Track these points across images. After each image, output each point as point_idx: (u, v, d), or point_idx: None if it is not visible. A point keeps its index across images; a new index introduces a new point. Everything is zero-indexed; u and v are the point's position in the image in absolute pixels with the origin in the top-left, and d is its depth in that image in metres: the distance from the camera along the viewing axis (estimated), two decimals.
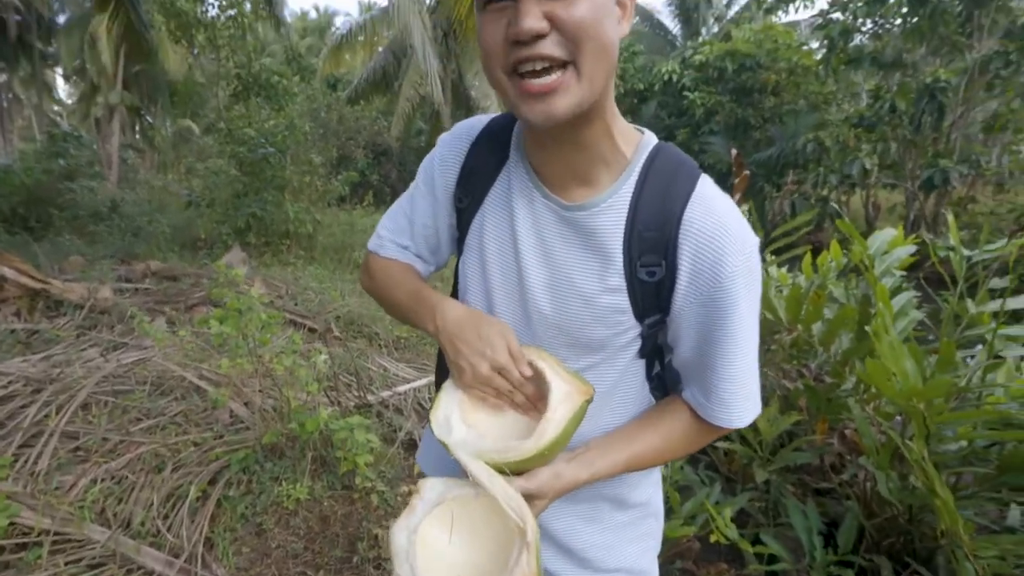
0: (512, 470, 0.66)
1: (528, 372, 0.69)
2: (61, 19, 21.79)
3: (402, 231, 0.84)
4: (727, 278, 0.63)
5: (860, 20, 11.36)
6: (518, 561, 0.60)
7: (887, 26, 11.33)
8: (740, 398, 0.70)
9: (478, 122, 0.80)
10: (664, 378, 0.81)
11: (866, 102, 12.41)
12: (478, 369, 0.68)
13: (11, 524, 1.73)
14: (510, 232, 0.73)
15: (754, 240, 0.67)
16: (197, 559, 1.80)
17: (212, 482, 2.12)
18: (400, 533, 0.65)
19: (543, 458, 0.66)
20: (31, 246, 5.39)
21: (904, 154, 11.58)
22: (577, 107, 0.58)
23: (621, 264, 0.67)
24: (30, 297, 3.28)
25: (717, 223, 0.64)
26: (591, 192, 0.68)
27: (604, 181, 0.68)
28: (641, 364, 0.77)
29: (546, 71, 0.56)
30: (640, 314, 0.69)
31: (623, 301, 0.68)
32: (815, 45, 14.48)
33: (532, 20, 0.54)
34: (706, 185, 0.68)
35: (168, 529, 1.89)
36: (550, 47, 0.55)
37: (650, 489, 0.88)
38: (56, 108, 32.78)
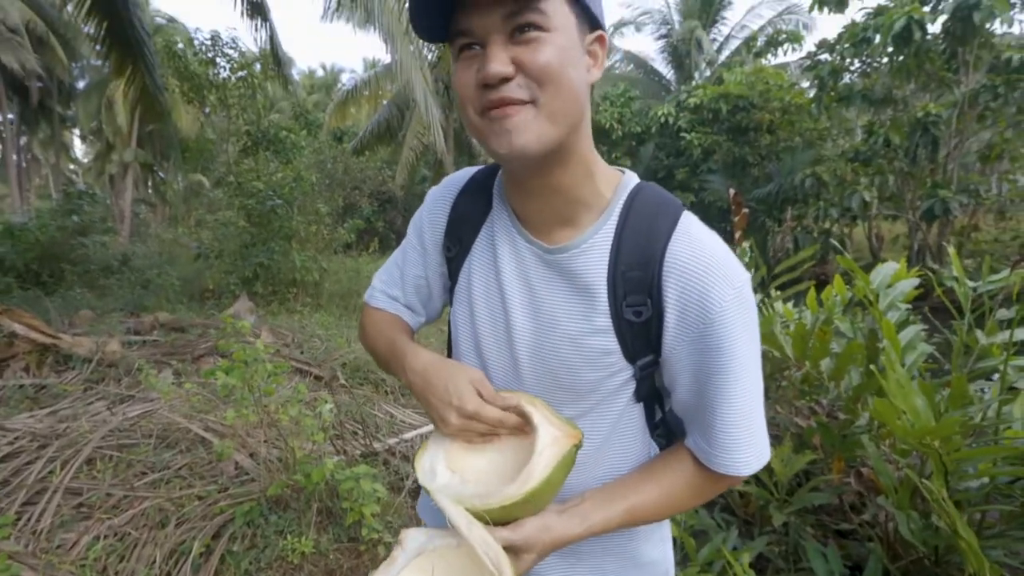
0: (496, 518, 0.62)
1: (505, 403, 0.67)
2: (81, 84, 22.87)
3: (394, 282, 0.86)
4: (717, 313, 0.62)
5: (848, 60, 11.72)
6: None
7: (874, 64, 11.68)
8: (745, 443, 0.66)
9: (464, 174, 0.82)
10: (669, 424, 0.77)
11: (860, 137, 12.66)
12: (448, 420, 0.67)
13: None
14: (495, 277, 0.74)
15: (743, 274, 0.65)
16: None
17: (216, 536, 2.08)
18: None
19: (529, 505, 0.63)
20: (43, 301, 5.47)
21: (903, 186, 11.71)
22: (538, 142, 0.59)
23: (607, 305, 0.66)
24: (39, 352, 3.31)
25: (701, 259, 0.64)
26: (573, 233, 0.68)
27: (585, 222, 0.68)
28: (639, 410, 0.74)
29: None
30: (630, 356, 0.68)
31: (611, 342, 0.67)
32: (806, 84, 14.90)
33: (498, 64, 0.57)
34: (689, 222, 0.67)
35: None
36: (515, 89, 0.58)
37: (660, 545, 0.84)
38: (72, 167, 33.91)
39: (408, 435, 2.99)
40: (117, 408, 2.87)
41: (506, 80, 0.58)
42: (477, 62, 0.59)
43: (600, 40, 0.65)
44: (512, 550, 0.62)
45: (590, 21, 0.64)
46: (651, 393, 0.74)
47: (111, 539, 2.01)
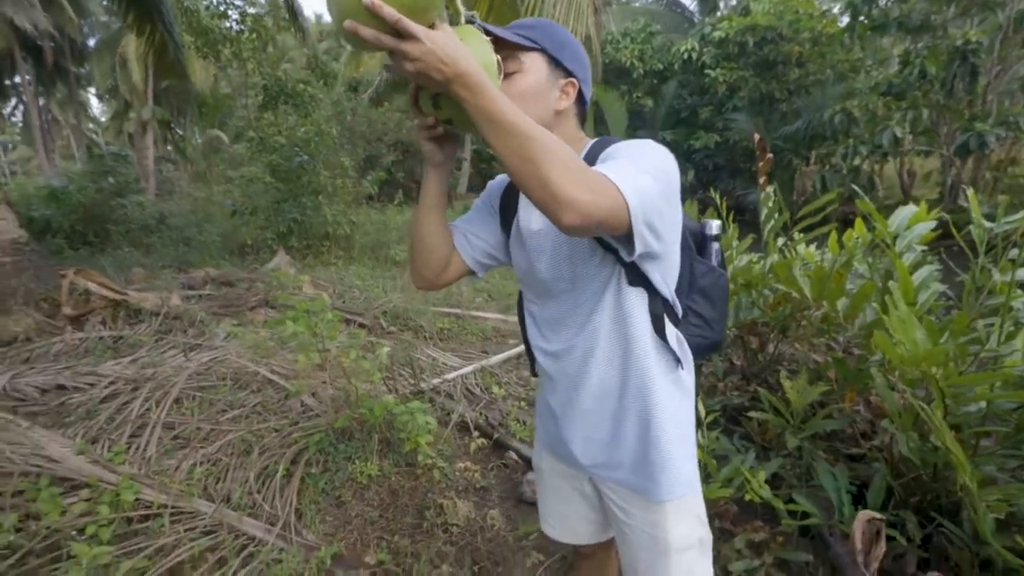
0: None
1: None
2: (92, 42, 22.71)
3: (464, 218, 1.16)
4: (615, 147, 0.92)
5: None
6: None
7: None
8: (613, 169, 0.81)
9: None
10: (662, 317, 1.00)
11: (895, 68, 12.07)
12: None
13: (136, 499, 2.03)
14: (523, 224, 1.07)
15: (649, 140, 0.91)
16: (291, 527, 2.07)
17: (294, 462, 2.39)
18: None
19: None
20: (97, 259, 5.82)
21: (937, 120, 11.26)
22: None
23: None
24: (112, 307, 3.63)
25: (616, 144, 0.93)
26: None
27: None
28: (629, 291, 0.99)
29: None
30: (605, 245, 0.95)
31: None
32: (837, 11, 14.07)
33: None
34: (620, 140, 0.95)
35: (263, 501, 2.16)
36: None
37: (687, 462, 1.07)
38: (91, 126, 34.15)
39: (450, 375, 3.26)
40: (191, 355, 3.19)
41: None
42: None
43: (571, 84, 0.99)
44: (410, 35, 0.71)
45: (564, 71, 0.98)
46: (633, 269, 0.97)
47: (207, 464, 2.34)
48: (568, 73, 0.99)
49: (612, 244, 0.91)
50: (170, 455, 2.35)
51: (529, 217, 1.05)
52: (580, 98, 1.02)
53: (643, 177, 0.81)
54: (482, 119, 0.75)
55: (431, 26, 0.73)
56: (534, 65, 0.96)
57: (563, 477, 1.20)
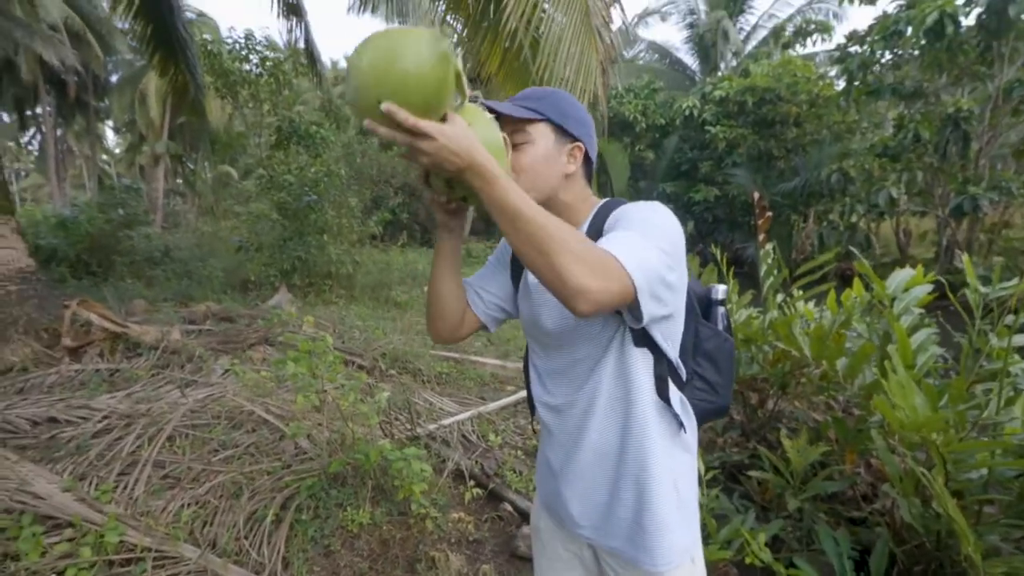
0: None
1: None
2: (114, 78, 23.55)
3: (479, 275, 1.20)
4: (623, 211, 0.94)
5: (878, 53, 11.52)
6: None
7: (905, 57, 11.47)
8: (619, 245, 0.83)
9: None
10: (666, 379, 1.01)
11: (890, 131, 12.46)
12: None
13: (120, 541, 1.98)
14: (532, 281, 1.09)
15: (656, 204, 0.94)
16: None
17: (284, 507, 2.34)
18: None
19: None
20: (100, 290, 5.84)
21: (932, 182, 11.52)
22: None
23: None
24: (111, 340, 3.63)
25: (623, 207, 0.96)
26: None
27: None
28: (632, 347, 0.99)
29: None
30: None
31: None
32: (833, 75, 14.64)
33: None
34: (625, 202, 0.98)
35: (250, 547, 2.10)
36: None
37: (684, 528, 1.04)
38: (104, 157, 34.92)
39: (446, 421, 3.23)
40: (187, 391, 3.16)
41: None
42: None
43: (577, 148, 1.02)
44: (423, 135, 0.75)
45: (570, 136, 1.01)
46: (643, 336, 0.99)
47: (195, 507, 2.29)
48: (574, 138, 1.03)
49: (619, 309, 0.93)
50: (158, 495, 2.30)
51: None
52: (587, 159, 1.06)
53: (650, 251, 0.84)
54: (494, 208, 0.79)
55: (443, 116, 0.78)
56: (541, 135, 1.00)
57: (561, 541, 1.18)
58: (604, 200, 1.06)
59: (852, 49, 12.00)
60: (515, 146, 0.98)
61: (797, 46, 17.79)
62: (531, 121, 1.00)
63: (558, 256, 0.75)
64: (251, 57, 10.92)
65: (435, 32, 0.76)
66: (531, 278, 1.10)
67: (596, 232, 0.97)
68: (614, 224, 0.93)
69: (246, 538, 2.17)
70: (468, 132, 0.78)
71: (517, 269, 1.16)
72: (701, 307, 1.16)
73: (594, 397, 1.01)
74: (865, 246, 12.45)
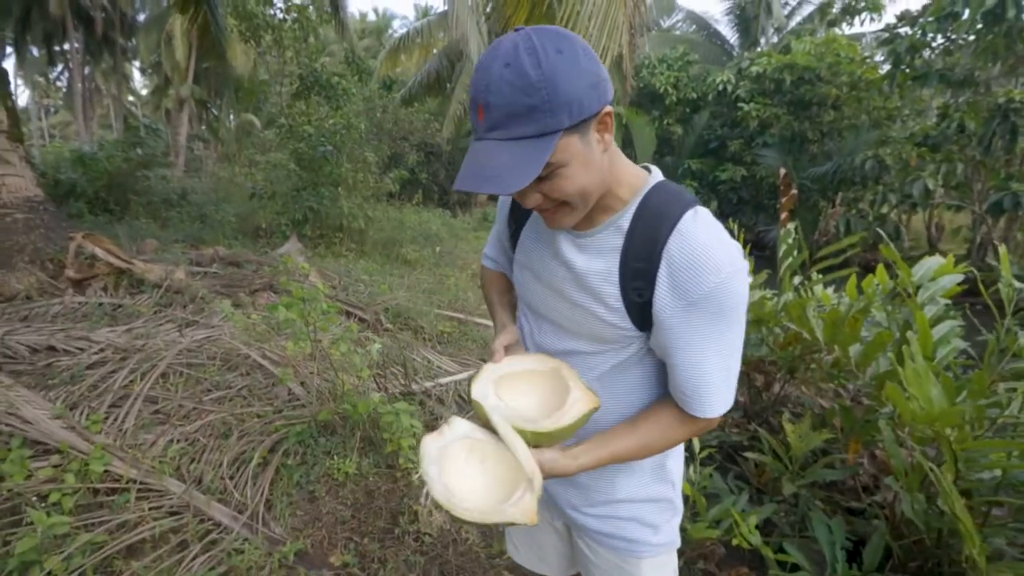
0: (527, 440, 0.82)
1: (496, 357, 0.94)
2: (141, 17, 23.33)
3: (491, 246, 1.17)
4: (698, 301, 0.78)
5: (930, 35, 10.88)
6: (522, 498, 0.76)
7: (959, 42, 10.82)
8: (710, 393, 0.84)
9: None
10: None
11: (933, 119, 11.87)
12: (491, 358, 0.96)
13: (105, 471, 1.98)
14: (538, 254, 0.95)
15: (731, 265, 0.78)
16: (259, 517, 2.00)
17: (272, 451, 2.33)
18: (431, 444, 0.83)
19: (551, 439, 0.83)
20: (113, 227, 5.86)
21: (971, 175, 11.02)
22: (573, 222, 0.83)
23: (618, 287, 0.84)
24: (116, 275, 3.62)
25: (692, 253, 0.78)
26: (595, 227, 0.87)
27: (604, 220, 0.87)
28: (653, 356, 0.92)
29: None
30: (639, 326, 0.86)
31: (622, 315, 0.86)
32: (879, 59, 13.93)
33: (531, 201, 0.80)
34: (689, 219, 0.80)
35: (234, 488, 2.10)
36: (547, 203, 0.81)
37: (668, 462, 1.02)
38: (131, 98, 34.96)
39: (444, 380, 3.19)
40: (185, 331, 3.16)
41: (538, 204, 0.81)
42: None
43: (607, 115, 0.78)
44: None
45: (592, 115, 0.76)
46: None
47: (183, 443, 2.29)
48: (593, 114, 0.78)
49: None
50: (147, 430, 2.30)
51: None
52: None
53: (731, 376, 0.84)
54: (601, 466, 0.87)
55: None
56: (564, 148, 0.76)
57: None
58: (647, 184, 0.87)
59: (902, 30, 11.33)
60: (549, 178, 0.78)
61: (844, 24, 16.88)
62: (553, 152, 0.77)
63: (662, 449, 0.91)
64: (275, 0, 10.65)
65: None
66: (539, 271, 0.98)
67: (646, 240, 0.82)
68: (701, 300, 0.79)
69: (231, 478, 2.17)
70: (556, 461, 0.82)
71: (515, 229, 1.05)
72: None
73: (584, 373, 0.95)
74: (894, 237, 12.03)
